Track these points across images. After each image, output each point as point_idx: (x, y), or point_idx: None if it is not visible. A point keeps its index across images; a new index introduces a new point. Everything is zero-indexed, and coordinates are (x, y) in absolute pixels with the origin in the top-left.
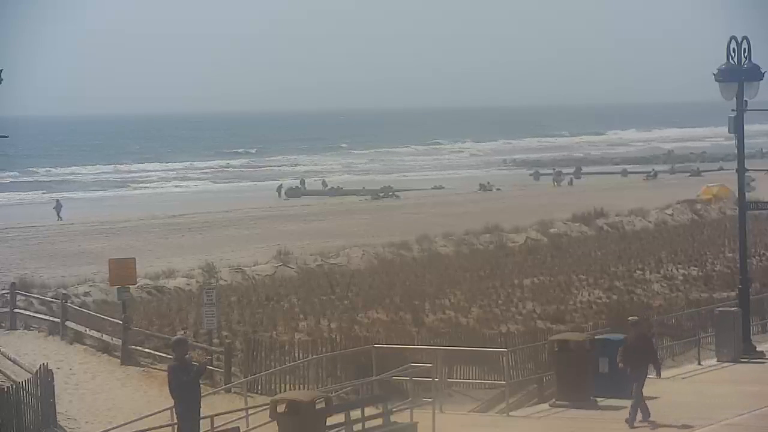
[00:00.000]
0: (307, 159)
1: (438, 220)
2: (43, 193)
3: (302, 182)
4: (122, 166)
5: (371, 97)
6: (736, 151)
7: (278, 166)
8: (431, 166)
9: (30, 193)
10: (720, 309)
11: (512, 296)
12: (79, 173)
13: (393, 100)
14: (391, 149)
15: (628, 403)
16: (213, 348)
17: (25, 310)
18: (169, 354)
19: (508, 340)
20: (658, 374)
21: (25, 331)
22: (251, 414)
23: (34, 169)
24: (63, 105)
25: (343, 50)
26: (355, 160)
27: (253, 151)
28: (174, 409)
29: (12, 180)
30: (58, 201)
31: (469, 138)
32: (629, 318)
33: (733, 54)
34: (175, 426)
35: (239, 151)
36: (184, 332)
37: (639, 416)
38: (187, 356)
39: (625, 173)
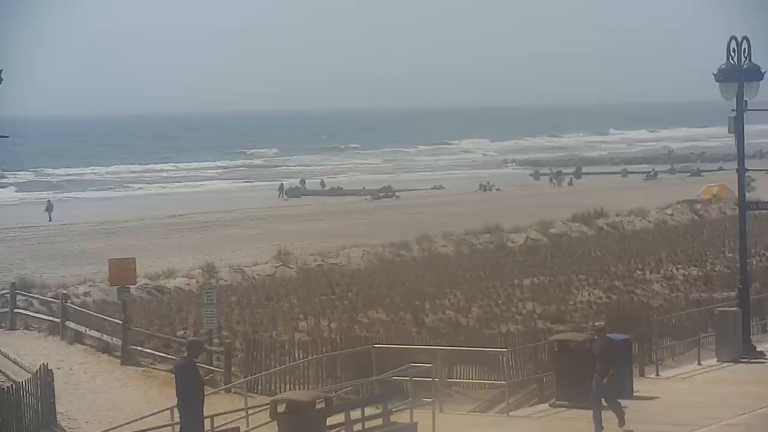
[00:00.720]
0: (314, 159)
1: (438, 220)
2: (55, 193)
3: (302, 182)
4: (124, 166)
5: (381, 96)
6: (736, 151)
7: (284, 167)
8: (435, 167)
9: (35, 192)
10: (720, 309)
11: (512, 296)
12: (82, 173)
13: (404, 100)
14: (400, 149)
15: (627, 402)
16: (213, 348)
17: (25, 310)
18: (168, 354)
19: (508, 340)
20: (616, 394)
21: (25, 331)
22: (251, 414)
23: (41, 169)
24: (63, 105)
25: (350, 50)
26: (363, 160)
27: (263, 150)
28: (177, 407)
29: (23, 180)
30: (49, 201)
31: (477, 137)
32: (595, 324)
33: (733, 54)
34: (176, 426)
35: (247, 152)
36: (185, 332)
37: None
38: (196, 359)
39: (625, 173)
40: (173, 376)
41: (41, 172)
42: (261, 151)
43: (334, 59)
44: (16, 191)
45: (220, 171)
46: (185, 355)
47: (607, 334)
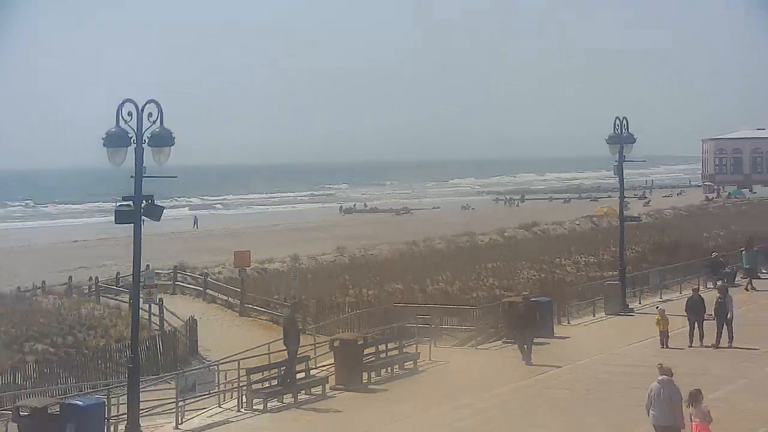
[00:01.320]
0: (366, 190)
1: (435, 227)
2: (205, 210)
3: (354, 205)
4: (244, 196)
5: (407, 149)
6: (618, 185)
7: (348, 196)
8: (437, 194)
9: (198, 211)
10: (607, 282)
11: (480, 275)
12: (215, 199)
13: (418, 152)
14: (418, 184)
15: (549, 340)
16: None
17: (181, 282)
18: (268, 309)
19: (477, 302)
20: (532, 338)
21: (182, 295)
22: (318, 347)
23: (203, 197)
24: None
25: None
26: (396, 190)
27: (337, 186)
28: (284, 344)
29: (194, 203)
30: (195, 216)
31: (465, 177)
32: (522, 293)
33: (617, 126)
34: (270, 355)
35: (326, 186)
36: (277, 296)
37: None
38: (297, 314)
39: (551, 199)
40: (281, 325)
41: (204, 198)
42: (336, 186)
43: (372, 120)
44: (189, 210)
45: (308, 197)
46: (290, 311)
47: (531, 299)
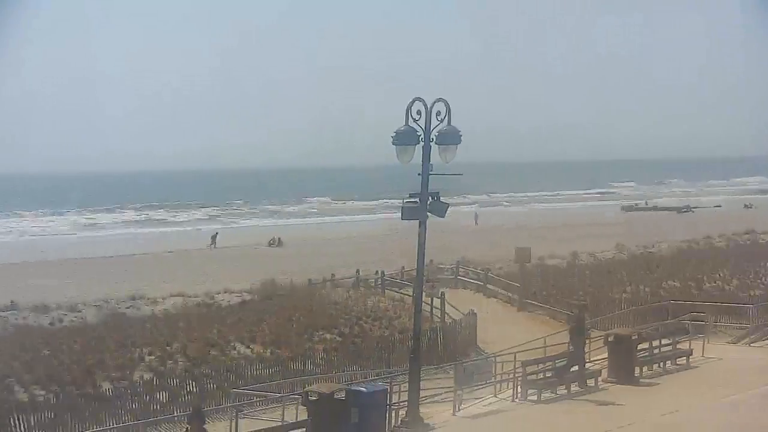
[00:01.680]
0: (647, 188)
1: (716, 225)
2: (484, 207)
3: (636, 203)
4: (523, 193)
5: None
6: None
7: (628, 194)
8: (718, 193)
9: (486, 208)
10: None
11: (759, 273)
12: (501, 196)
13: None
14: (700, 182)
15: None
16: (575, 302)
17: (464, 277)
18: (547, 305)
19: (754, 300)
20: None
21: (463, 289)
22: (592, 342)
23: (492, 194)
24: None
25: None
26: (675, 189)
27: (624, 184)
28: (570, 341)
29: (479, 201)
30: (475, 213)
31: (753, 175)
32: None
33: None
34: (547, 348)
35: (611, 184)
36: (555, 293)
37: None
38: (584, 315)
39: None
40: (565, 323)
41: (491, 195)
42: (623, 184)
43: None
44: (479, 206)
45: (591, 195)
46: (578, 312)
47: None
